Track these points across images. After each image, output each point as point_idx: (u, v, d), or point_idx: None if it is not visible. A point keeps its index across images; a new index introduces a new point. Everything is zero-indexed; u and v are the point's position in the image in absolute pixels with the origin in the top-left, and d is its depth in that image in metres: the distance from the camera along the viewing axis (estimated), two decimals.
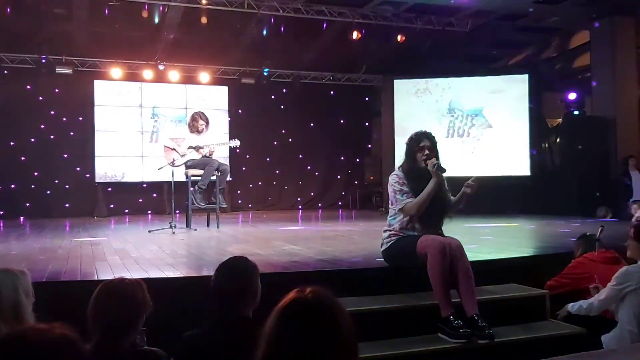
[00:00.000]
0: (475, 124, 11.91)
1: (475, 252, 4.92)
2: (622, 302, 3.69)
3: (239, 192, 13.38)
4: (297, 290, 1.50)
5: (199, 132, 8.04)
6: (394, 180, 4.19)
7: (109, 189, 12.39)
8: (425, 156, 4.13)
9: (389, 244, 4.17)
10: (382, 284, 4.23)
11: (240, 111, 13.35)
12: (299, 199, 14.04)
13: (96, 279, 4.04)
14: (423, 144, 4.18)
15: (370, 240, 6.18)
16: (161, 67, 12.11)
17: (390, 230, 4.19)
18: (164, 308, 2.69)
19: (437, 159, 4.15)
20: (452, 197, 4.27)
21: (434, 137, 4.26)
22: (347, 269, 4.39)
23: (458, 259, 3.81)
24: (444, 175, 4.15)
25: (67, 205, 11.83)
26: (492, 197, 11.10)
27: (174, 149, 7.88)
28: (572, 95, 11.70)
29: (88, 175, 12.16)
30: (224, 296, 2.56)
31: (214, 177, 7.95)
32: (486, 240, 6.44)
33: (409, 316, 3.86)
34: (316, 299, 1.46)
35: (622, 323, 3.69)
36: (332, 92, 14.23)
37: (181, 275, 4.13)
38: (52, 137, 11.89)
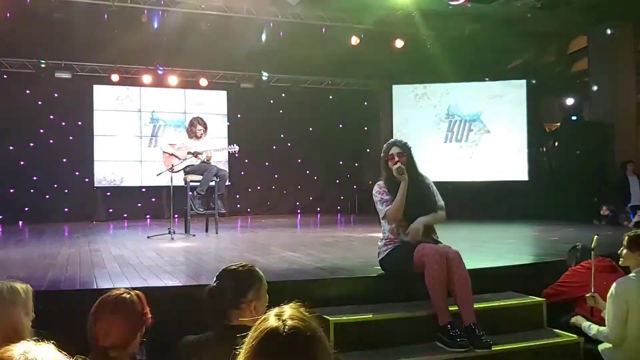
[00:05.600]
0: (473, 129, 11.95)
1: (472, 260, 4.93)
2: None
3: (237, 196, 13.38)
4: (274, 317, 1.38)
5: (197, 137, 8.07)
6: (375, 191, 4.30)
7: (108, 194, 12.39)
8: (395, 163, 4.19)
9: (385, 252, 4.19)
10: (380, 292, 4.24)
11: (239, 116, 13.37)
12: (297, 203, 14.05)
13: (95, 287, 4.06)
14: (392, 152, 4.25)
15: (369, 246, 6.18)
16: (160, 72, 12.14)
17: (385, 239, 4.22)
18: (162, 317, 2.70)
19: (412, 161, 4.26)
20: (439, 201, 4.29)
21: (403, 143, 4.33)
22: (346, 278, 4.40)
23: (455, 267, 3.83)
24: (440, 180, 4.22)
25: (66, 209, 11.82)
26: (489, 202, 11.17)
27: (172, 155, 7.90)
28: (570, 100, 11.74)
29: (87, 180, 12.16)
30: (226, 306, 2.53)
31: (212, 183, 7.97)
32: (485, 246, 6.47)
33: (407, 325, 3.88)
34: (293, 332, 1.34)
35: None
36: (330, 97, 14.25)
37: (180, 284, 4.14)
38: (51, 141, 11.89)
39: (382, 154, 4.36)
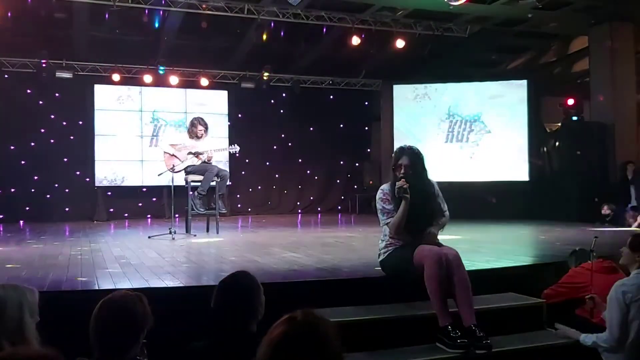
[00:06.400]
0: (474, 129, 11.95)
1: (472, 261, 4.94)
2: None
3: (238, 196, 13.40)
4: (288, 320, 1.49)
5: (198, 137, 8.07)
6: (378, 197, 4.24)
7: (109, 193, 12.41)
8: (401, 175, 4.11)
9: (386, 254, 4.20)
10: (381, 293, 4.25)
11: (240, 115, 13.39)
12: (298, 203, 14.07)
13: (97, 288, 4.07)
14: (401, 162, 4.15)
15: (369, 247, 6.20)
16: (161, 72, 12.15)
17: (385, 240, 4.22)
18: (164, 318, 2.71)
19: (422, 170, 4.18)
20: (444, 209, 4.28)
21: (414, 153, 4.20)
22: (346, 279, 4.41)
23: (455, 268, 3.83)
24: (441, 180, 4.22)
25: (67, 209, 11.86)
26: (490, 202, 11.17)
27: (173, 155, 7.91)
28: (570, 101, 11.73)
29: (88, 180, 12.19)
30: (226, 313, 2.55)
31: (213, 183, 7.98)
32: (485, 247, 6.47)
33: (407, 326, 3.89)
34: (308, 329, 1.46)
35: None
36: (331, 97, 14.27)
37: (181, 285, 4.15)
38: (52, 141, 11.92)
39: (392, 156, 4.28)
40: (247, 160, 13.10)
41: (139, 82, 12.45)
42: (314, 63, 12.93)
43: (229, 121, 13.22)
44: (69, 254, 5.96)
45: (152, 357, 2.55)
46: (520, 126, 11.62)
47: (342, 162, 14.47)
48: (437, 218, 4.23)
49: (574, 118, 11.61)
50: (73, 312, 3.04)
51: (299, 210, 13.94)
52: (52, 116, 11.97)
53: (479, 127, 11.91)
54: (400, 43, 11.48)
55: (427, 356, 3.63)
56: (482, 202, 11.22)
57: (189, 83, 12.87)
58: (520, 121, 11.64)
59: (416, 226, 4.11)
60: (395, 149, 4.34)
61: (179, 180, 7.88)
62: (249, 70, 12.92)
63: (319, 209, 14.03)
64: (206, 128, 8.17)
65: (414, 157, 4.18)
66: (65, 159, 11.98)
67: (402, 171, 4.13)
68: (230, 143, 9.30)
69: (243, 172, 13.32)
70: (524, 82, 11.80)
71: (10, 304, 2.27)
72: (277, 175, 13.87)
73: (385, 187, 4.27)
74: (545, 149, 11.79)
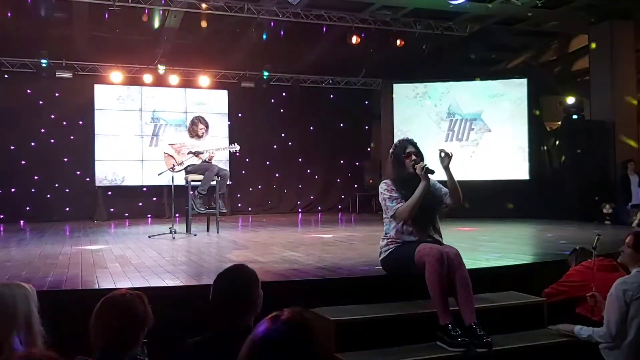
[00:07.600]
0: (474, 127, 11.94)
1: (473, 260, 4.94)
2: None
3: (238, 195, 13.40)
4: (272, 319, 1.47)
5: (198, 136, 8.07)
6: (383, 189, 4.25)
7: (109, 193, 12.41)
8: (414, 161, 4.17)
9: (387, 252, 4.20)
10: (381, 292, 4.25)
11: (240, 115, 13.39)
12: (298, 202, 14.07)
13: (97, 287, 4.07)
14: (409, 150, 4.24)
15: (370, 246, 6.21)
16: (161, 71, 12.15)
17: (387, 239, 4.22)
18: (164, 317, 2.71)
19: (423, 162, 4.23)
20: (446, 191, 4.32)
21: (416, 143, 4.34)
22: (346, 277, 4.41)
23: (456, 267, 3.83)
24: (441, 179, 4.26)
25: (67, 209, 11.86)
26: (490, 201, 11.17)
27: (173, 156, 7.90)
28: (570, 99, 11.71)
29: (88, 179, 12.19)
30: (224, 307, 2.54)
31: (213, 182, 7.98)
32: (485, 246, 6.47)
33: (408, 324, 3.88)
34: (290, 332, 1.44)
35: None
36: (331, 96, 14.27)
37: (181, 284, 4.15)
38: (52, 141, 11.93)
39: (393, 151, 4.32)
40: (247, 160, 13.11)
41: (139, 82, 12.45)
42: (313, 62, 12.91)
43: (229, 121, 13.22)
44: (69, 254, 5.96)
45: (152, 356, 2.55)
46: (521, 125, 11.62)
47: (342, 162, 14.47)
48: (439, 205, 4.28)
49: (574, 117, 11.61)
50: (73, 312, 3.04)
51: (299, 210, 13.94)
52: (52, 116, 11.97)
53: (479, 125, 11.91)
54: (399, 42, 11.48)
55: (428, 355, 3.63)
56: (482, 201, 11.22)
57: (189, 83, 12.87)
58: (520, 120, 11.63)
59: (421, 213, 4.12)
60: (395, 142, 4.39)
61: (179, 179, 7.88)
62: (248, 70, 12.92)
63: (319, 208, 14.03)
64: (207, 127, 8.17)
65: (417, 147, 4.29)
66: (65, 159, 11.99)
67: (414, 157, 4.19)
68: (231, 142, 9.30)
69: (243, 172, 13.32)
70: (524, 80, 11.79)
71: (19, 299, 2.31)
72: (277, 175, 13.87)
73: (387, 180, 4.29)
74: (545, 147, 11.78)
